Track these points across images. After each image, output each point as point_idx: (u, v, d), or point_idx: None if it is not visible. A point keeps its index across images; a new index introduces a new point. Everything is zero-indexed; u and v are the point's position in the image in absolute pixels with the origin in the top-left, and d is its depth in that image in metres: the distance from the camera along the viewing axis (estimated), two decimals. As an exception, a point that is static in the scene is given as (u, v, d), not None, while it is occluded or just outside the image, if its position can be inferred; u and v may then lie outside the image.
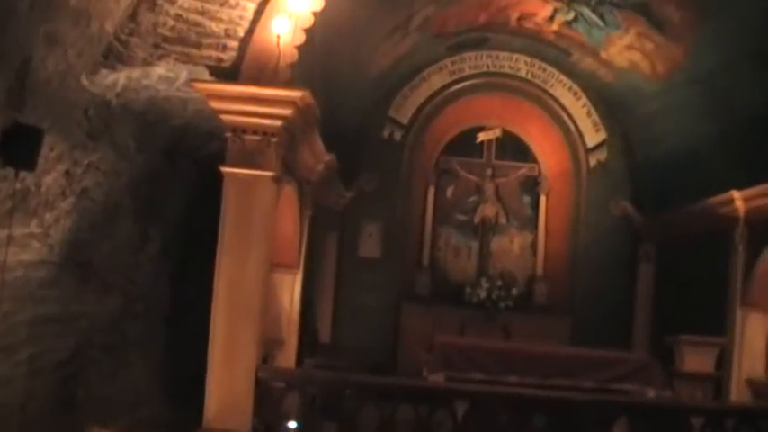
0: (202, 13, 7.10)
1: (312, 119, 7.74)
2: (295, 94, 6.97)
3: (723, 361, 9.90)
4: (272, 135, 7.03)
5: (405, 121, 13.53)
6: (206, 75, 7.17)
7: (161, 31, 6.84)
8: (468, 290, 13.45)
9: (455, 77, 13.60)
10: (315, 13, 7.27)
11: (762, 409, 8.28)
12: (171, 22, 6.87)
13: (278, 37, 7.05)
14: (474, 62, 13.59)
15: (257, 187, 7.07)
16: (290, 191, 8.37)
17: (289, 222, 8.90)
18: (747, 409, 8.14)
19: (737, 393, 9.88)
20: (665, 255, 12.96)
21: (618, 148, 13.62)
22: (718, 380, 9.86)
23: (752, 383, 9.87)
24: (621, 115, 13.42)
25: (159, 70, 7.07)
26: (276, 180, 7.15)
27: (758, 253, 9.85)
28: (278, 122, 7.01)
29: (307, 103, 7.13)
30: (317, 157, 9.16)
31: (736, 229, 10.23)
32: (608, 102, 13.48)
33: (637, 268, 13.36)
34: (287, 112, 7.00)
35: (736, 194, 10.05)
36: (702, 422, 7.25)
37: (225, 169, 7.06)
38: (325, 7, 7.33)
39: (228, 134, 7.07)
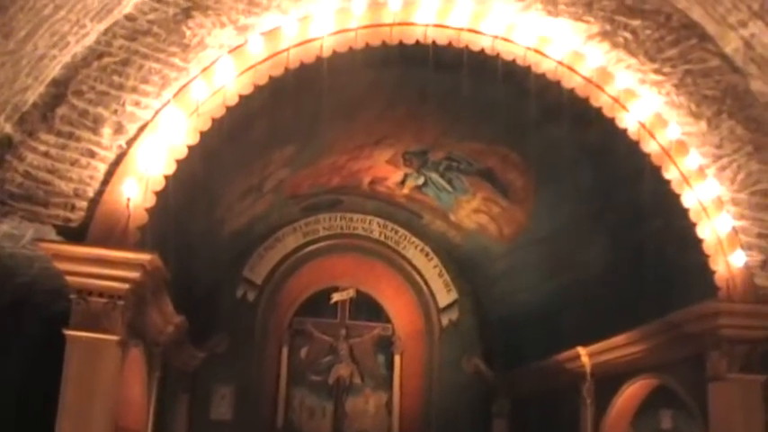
0: (52, 171, 7.06)
1: (161, 281, 7.64)
2: (143, 257, 6.89)
3: None
4: (119, 298, 6.88)
5: (259, 281, 13.47)
6: (53, 234, 7.02)
7: (8, 187, 6.74)
8: (323, 453, 13.21)
9: (309, 238, 13.75)
10: (167, 177, 7.30)
11: None
12: (19, 179, 6.78)
13: (128, 199, 7.03)
14: (328, 223, 13.83)
15: (102, 351, 6.84)
16: (137, 353, 8.12)
17: (136, 385, 8.59)
18: None
19: None
20: (518, 410, 13.12)
21: (469, 307, 13.93)
22: None
23: None
24: (472, 275, 13.82)
25: (4, 227, 6.92)
26: (122, 344, 6.95)
27: (606, 407, 10.09)
28: (125, 285, 6.88)
29: (155, 266, 7.06)
30: (167, 318, 8.98)
31: (583, 384, 10.50)
32: (458, 262, 13.88)
33: (491, 425, 13.45)
34: (135, 274, 6.89)
35: (581, 350, 10.36)
36: None
37: (68, 332, 6.82)
38: (177, 170, 7.39)
39: (73, 296, 6.88)
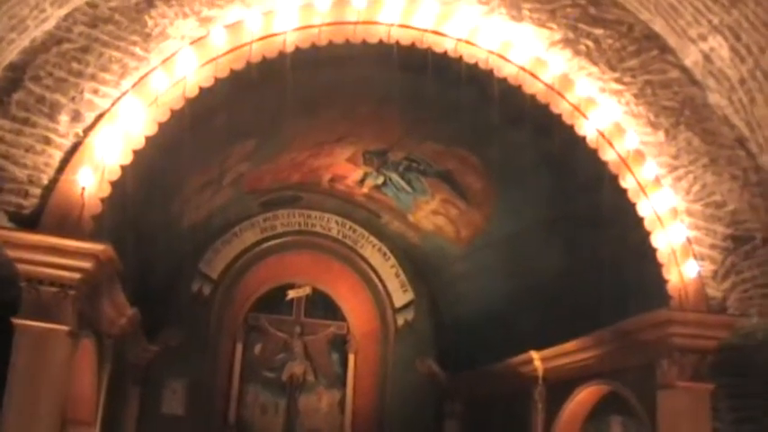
0: (6, 156, 6.98)
1: (114, 272, 7.56)
2: (96, 247, 6.81)
3: None
4: (70, 288, 6.80)
5: (215, 275, 13.37)
6: (5, 220, 6.92)
7: (-41, 173, 6.63)
8: (275, 449, 13.16)
9: (267, 234, 13.69)
10: (123, 167, 7.23)
11: None
12: (-29, 165, 6.67)
13: (83, 188, 6.95)
14: (286, 220, 13.78)
15: (51, 341, 6.75)
16: (88, 344, 8.02)
17: (86, 377, 8.49)
18: None
19: None
20: (471, 412, 13.17)
21: (425, 308, 13.96)
22: None
23: None
24: (428, 276, 13.85)
25: (-45, 211, 6.81)
26: (72, 335, 6.86)
27: (557, 411, 10.16)
28: (77, 275, 6.80)
29: (108, 256, 6.98)
30: (120, 310, 8.88)
31: (535, 387, 10.55)
32: (416, 263, 13.90)
33: (443, 426, 13.48)
34: (87, 264, 6.81)
35: (534, 354, 10.41)
36: None
37: (17, 321, 6.73)
38: (134, 160, 7.32)
39: (24, 284, 6.79)
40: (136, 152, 7.28)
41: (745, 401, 8.36)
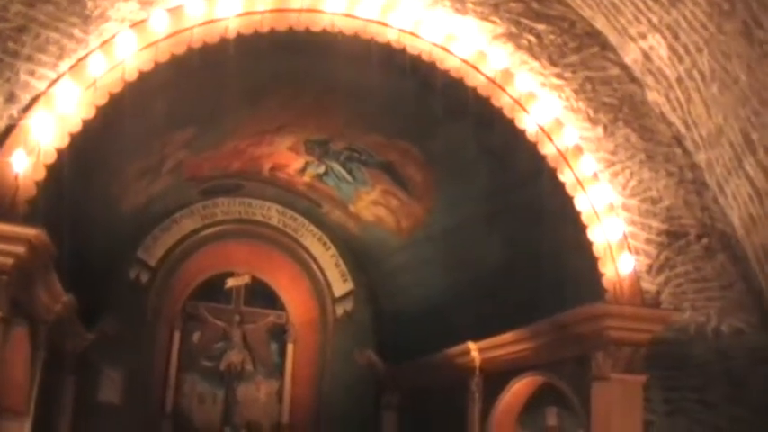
0: (-61, 138, 6.81)
1: (48, 258, 7.41)
2: (30, 231, 6.67)
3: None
4: (2, 273, 6.64)
5: (153, 262, 13.20)
6: (-64, 203, 6.77)
7: None
8: (211, 439, 13.08)
9: (207, 222, 13.55)
10: (59, 150, 7.10)
11: None
12: None
13: (17, 171, 6.81)
14: (226, 208, 13.66)
15: (-18, 327, 6.62)
16: (21, 331, 7.87)
17: (19, 365, 8.32)
18: None
19: None
20: (408, 403, 13.22)
21: (364, 299, 13.97)
22: None
23: None
24: (368, 267, 13.87)
25: None
26: (4, 321, 6.73)
27: (493, 402, 10.25)
28: (9, 260, 6.64)
29: (42, 241, 6.84)
30: (54, 296, 8.72)
31: (472, 378, 10.63)
32: (356, 253, 13.91)
33: (381, 417, 13.52)
34: (20, 249, 6.65)
35: (472, 345, 10.49)
36: None
37: (-54, 308, 6.59)
38: (71, 144, 7.19)
39: (-49, 268, 6.64)
40: (72, 135, 7.15)
41: (677, 394, 8.54)
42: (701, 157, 8.47)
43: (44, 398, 9.46)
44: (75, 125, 7.16)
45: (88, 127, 7.26)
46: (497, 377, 10.21)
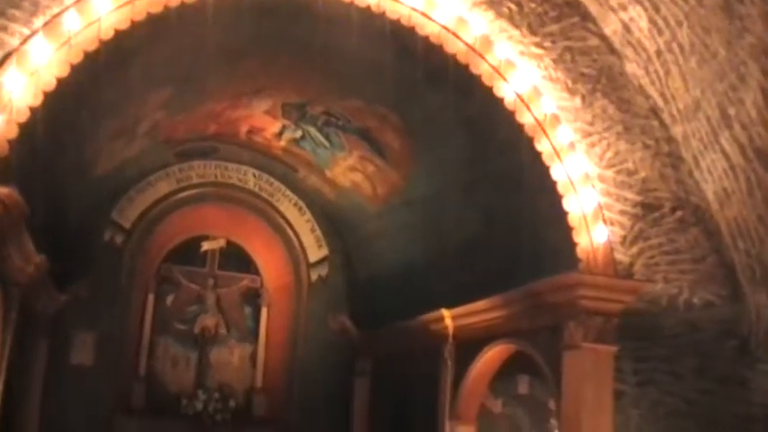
0: None
1: (21, 217, 7.33)
2: (2, 190, 6.59)
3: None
4: (-27, 232, 6.60)
5: (127, 225, 13.10)
6: None
7: None
8: (184, 402, 13.05)
9: (182, 185, 13.45)
10: (32, 108, 7.00)
11: None
12: None
13: (-12, 129, 6.73)
14: (202, 171, 13.57)
15: (-48, 287, 6.56)
16: (-8, 292, 7.83)
17: (-10, 326, 8.29)
18: None
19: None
20: (381, 369, 13.28)
21: (339, 265, 13.97)
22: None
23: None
24: (344, 233, 13.86)
25: None
26: (-25, 281, 6.68)
27: (466, 369, 10.32)
28: (-20, 219, 6.60)
29: (14, 200, 6.77)
30: (27, 257, 8.64)
31: (445, 345, 10.68)
32: (331, 219, 13.89)
33: (353, 382, 13.58)
34: (-9, 208, 6.61)
35: (445, 313, 10.52)
36: None
37: None
38: (45, 102, 7.10)
39: None
40: (46, 94, 7.06)
41: (648, 365, 8.63)
42: (677, 131, 8.48)
43: (16, 360, 9.40)
44: (49, 83, 7.07)
45: (62, 85, 7.16)
46: (470, 344, 10.26)
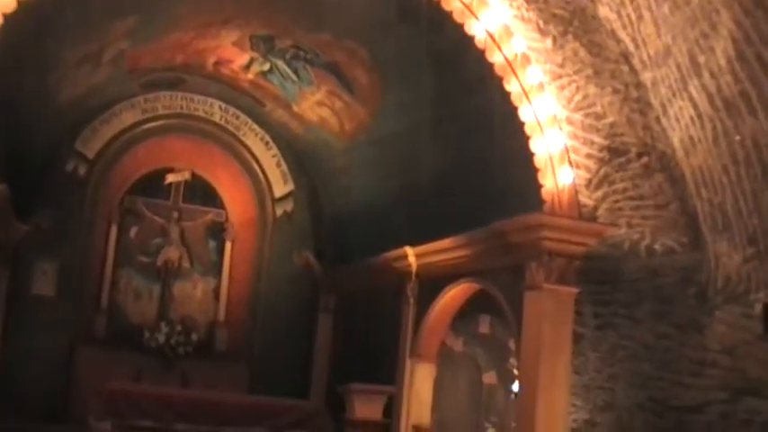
0: None
1: (-20, 143, 7.23)
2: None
3: (392, 408, 10.34)
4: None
5: (91, 155, 12.93)
6: None
7: None
8: (147, 334, 13.04)
9: (148, 116, 13.27)
10: (-9, 30, 6.84)
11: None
12: None
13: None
14: (168, 102, 13.39)
15: None
16: (-50, 219, 7.71)
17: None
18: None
19: (404, 439, 10.36)
20: (344, 306, 13.36)
21: (304, 200, 13.96)
22: (387, 427, 10.27)
23: (418, 429, 10.37)
24: (310, 168, 13.81)
25: None
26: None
27: (428, 307, 10.41)
28: (-62, 143, 6.48)
29: (-27, 125, 6.65)
30: (-14, 185, 8.55)
31: (408, 283, 10.77)
32: (298, 154, 13.82)
33: (316, 319, 13.66)
34: (-50, 132, 6.48)
35: (409, 250, 10.59)
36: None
37: None
38: (4, 25, 6.91)
39: None
40: (6, 16, 6.87)
41: (607, 309, 8.74)
42: (647, 76, 8.44)
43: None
44: (10, 4, 6.89)
45: (24, 8, 6.98)
46: (433, 283, 10.34)
